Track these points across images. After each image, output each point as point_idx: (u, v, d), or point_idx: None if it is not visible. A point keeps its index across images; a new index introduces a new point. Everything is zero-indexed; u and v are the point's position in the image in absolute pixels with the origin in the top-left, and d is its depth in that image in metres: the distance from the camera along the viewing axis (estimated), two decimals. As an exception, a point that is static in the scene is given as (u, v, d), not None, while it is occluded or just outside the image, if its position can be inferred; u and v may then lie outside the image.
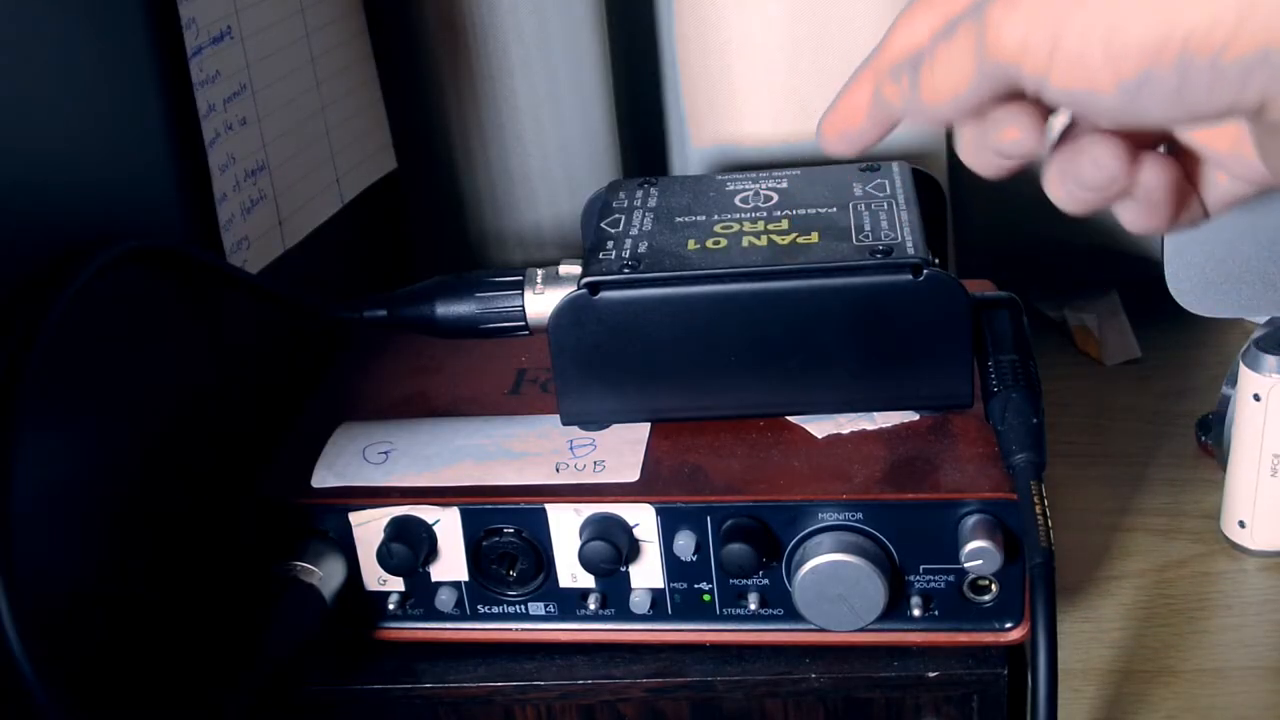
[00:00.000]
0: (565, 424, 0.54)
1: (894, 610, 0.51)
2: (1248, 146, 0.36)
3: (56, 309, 0.45)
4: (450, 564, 0.53)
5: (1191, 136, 0.38)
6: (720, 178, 0.61)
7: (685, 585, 0.52)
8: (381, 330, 0.58)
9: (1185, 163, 0.38)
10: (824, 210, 0.56)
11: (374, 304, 0.57)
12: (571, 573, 0.53)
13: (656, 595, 0.53)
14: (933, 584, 0.51)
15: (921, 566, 0.51)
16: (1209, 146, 0.37)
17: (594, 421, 0.55)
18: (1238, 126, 0.36)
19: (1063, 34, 0.31)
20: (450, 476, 0.53)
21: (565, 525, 0.52)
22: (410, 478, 0.53)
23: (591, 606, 0.53)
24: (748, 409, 0.54)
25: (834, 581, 0.50)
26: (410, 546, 0.52)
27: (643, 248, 0.54)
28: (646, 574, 0.52)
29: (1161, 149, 0.39)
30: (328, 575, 0.52)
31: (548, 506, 0.52)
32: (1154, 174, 0.36)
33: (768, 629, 0.53)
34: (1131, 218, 0.38)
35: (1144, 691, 0.53)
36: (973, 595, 0.51)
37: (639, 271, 0.52)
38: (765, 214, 0.56)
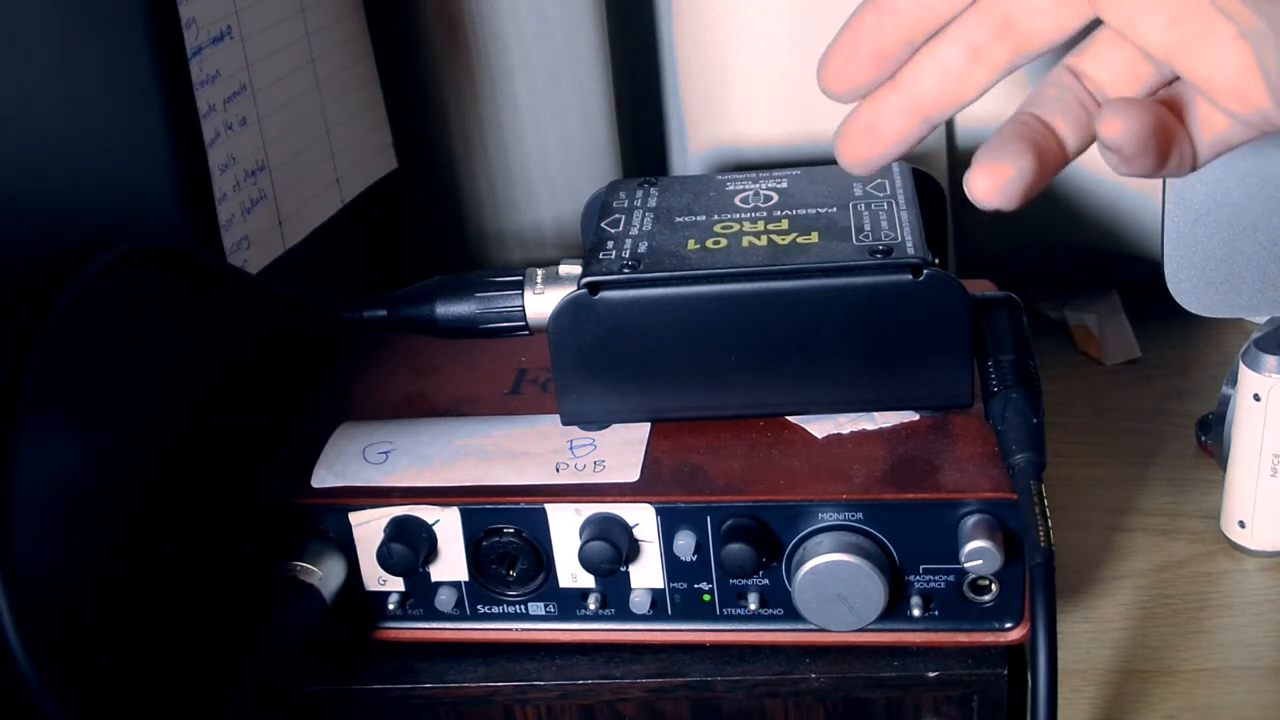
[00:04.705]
0: (565, 424, 0.54)
1: (894, 610, 0.51)
2: (1257, 80, 0.35)
3: (57, 309, 0.45)
4: (450, 564, 0.53)
5: (1195, 71, 0.36)
6: (720, 178, 0.61)
7: (685, 585, 0.52)
8: (381, 330, 0.58)
9: (1176, 105, 0.38)
10: (824, 210, 0.56)
11: (374, 304, 0.57)
12: (571, 573, 0.53)
13: (656, 595, 0.53)
14: (933, 584, 0.51)
15: (921, 566, 0.51)
16: (1215, 80, 0.36)
17: (594, 421, 0.55)
18: (1250, 58, 0.35)
19: None
20: (450, 476, 0.53)
21: (565, 525, 0.52)
22: (410, 478, 0.53)
23: (591, 606, 0.53)
24: (748, 409, 0.54)
25: (834, 581, 0.50)
26: (410, 546, 0.52)
27: (643, 248, 0.54)
28: (646, 574, 0.52)
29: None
30: (328, 575, 0.52)
31: (548, 506, 0.52)
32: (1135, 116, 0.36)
33: (767, 629, 0.53)
34: (1116, 160, 0.37)
35: (1144, 691, 0.53)
36: (973, 595, 0.51)
37: (639, 271, 0.52)
38: (765, 214, 0.56)
